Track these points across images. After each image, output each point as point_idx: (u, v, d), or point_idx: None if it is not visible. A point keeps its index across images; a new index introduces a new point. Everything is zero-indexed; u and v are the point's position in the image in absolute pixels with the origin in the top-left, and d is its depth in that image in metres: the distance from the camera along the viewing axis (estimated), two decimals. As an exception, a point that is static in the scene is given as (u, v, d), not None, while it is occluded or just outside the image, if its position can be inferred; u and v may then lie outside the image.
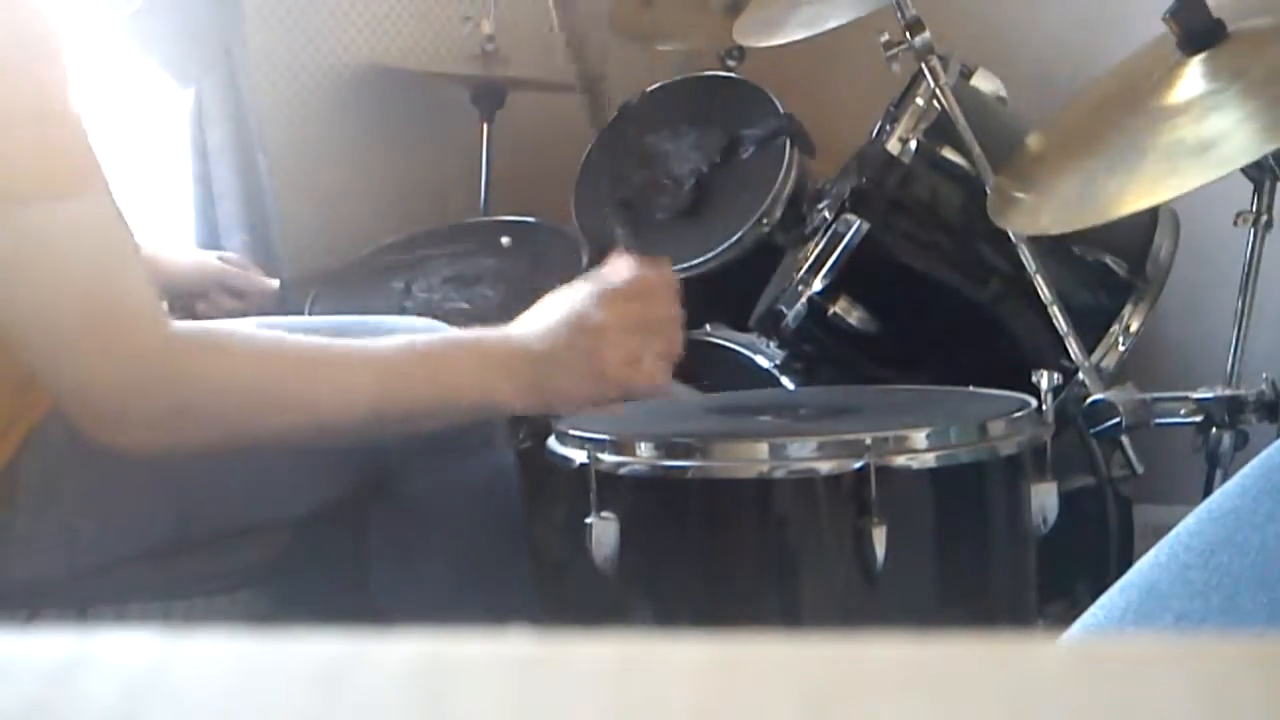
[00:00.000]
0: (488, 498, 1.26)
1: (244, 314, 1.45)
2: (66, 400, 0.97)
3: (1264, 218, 1.26)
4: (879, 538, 1.01)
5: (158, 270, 1.43)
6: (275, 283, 1.49)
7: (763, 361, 1.50)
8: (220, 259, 1.53)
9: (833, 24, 1.31)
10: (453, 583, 1.24)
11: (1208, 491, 1.13)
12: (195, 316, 1.45)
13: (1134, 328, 1.36)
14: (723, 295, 1.62)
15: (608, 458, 1.08)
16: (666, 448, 1.08)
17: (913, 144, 1.35)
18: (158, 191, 1.61)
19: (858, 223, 1.34)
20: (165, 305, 1.34)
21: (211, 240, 1.71)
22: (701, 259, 1.59)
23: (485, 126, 1.86)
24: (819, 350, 1.44)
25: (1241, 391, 1.23)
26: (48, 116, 0.88)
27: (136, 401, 0.95)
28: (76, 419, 0.97)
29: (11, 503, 1.08)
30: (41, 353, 0.96)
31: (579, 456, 1.10)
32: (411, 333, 1.24)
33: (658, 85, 1.82)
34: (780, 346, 1.47)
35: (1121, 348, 1.35)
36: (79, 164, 0.90)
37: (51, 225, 0.89)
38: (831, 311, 1.35)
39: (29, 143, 0.88)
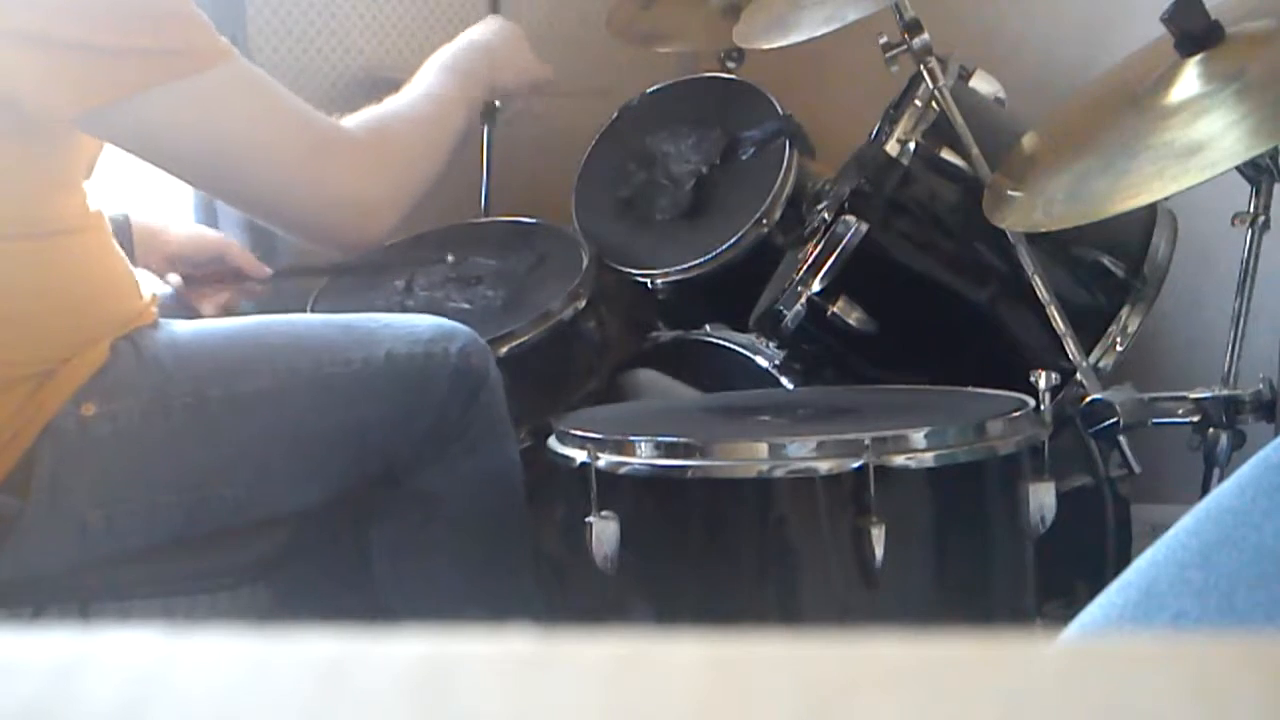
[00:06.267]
0: (494, 494, 1.27)
1: (240, 296, 1.47)
2: (320, 222, 1.22)
3: (1261, 218, 1.26)
4: (877, 537, 1.01)
5: (161, 241, 1.44)
6: (269, 270, 1.49)
7: (762, 361, 1.50)
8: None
9: (833, 27, 1.31)
10: (459, 578, 1.24)
11: (1205, 491, 1.13)
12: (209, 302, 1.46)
13: (1132, 328, 1.36)
14: (723, 295, 1.62)
15: (608, 457, 1.08)
16: (666, 448, 1.08)
17: (911, 145, 1.35)
18: (158, 188, 1.61)
19: (857, 224, 1.34)
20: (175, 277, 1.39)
21: (209, 220, 1.71)
22: (701, 259, 1.59)
23: (485, 127, 1.85)
24: (818, 350, 1.44)
25: (1239, 391, 1.23)
26: (192, 10, 1.11)
27: (373, 185, 1.21)
28: (338, 233, 1.23)
29: (24, 494, 1.09)
30: (279, 197, 1.18)
31: (579, 456, 1.10)
32: (411, 327, 1.25)
33: (657, 87, 1.82)
34: (780, 347, 1.47)
35: (1119, 348, 1.35)
36: (218, 39, 1.12)
37: (229, 82, 1.12)
38: (830, 312, 1.35)
39: (191, 26, 1.10)
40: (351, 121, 1.26)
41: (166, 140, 1.11)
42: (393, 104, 1.32)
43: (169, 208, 1.65)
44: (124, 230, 1.37)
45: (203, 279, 1.46)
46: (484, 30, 1.50)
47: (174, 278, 1.44)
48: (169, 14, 1.09)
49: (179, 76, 1.08)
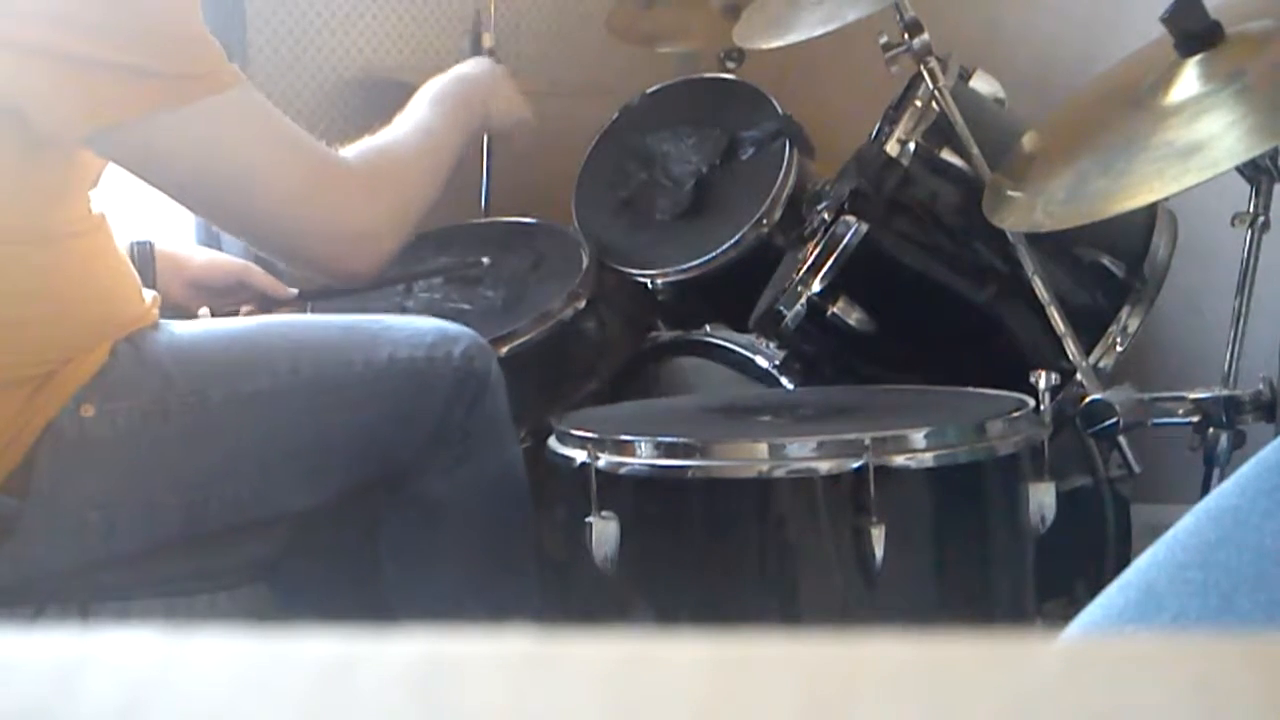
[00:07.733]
0: (496, 496, 1.27)
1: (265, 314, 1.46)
2: (316, 251, 1.20)
3: (1261, 219, 1.26)
4: (878, 537, 1.01)
5: (183, 268, 1.44)
6: (294, 291, 1.49)
7: (762, 361, 1.50)
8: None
9: (833, 26, 1.31)
10: (461, 580, 1.24)
11: (1205, 491, 1.13)
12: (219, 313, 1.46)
13: (1132, 328, 1.36)
14: (723, 295, 1.62)
15: (608, 458, 1.08)
16: (666, 448, 1.08)
17: (911, 146, 1.35)
18: (163, 210, 1.61)
19: (856, 224, 1.34)
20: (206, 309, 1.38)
21: (211, 243, 1.71)
22: (701, 260, 1.59)
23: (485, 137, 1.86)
24: (818, 350, 1.44)
25: (1239, 391, 1.23)
26: (204, 35, 1.11)
27: (372, 216, 1.21)
28: (333, 263, 1.22)
29: (24, 495, 1.09)
30: (275, 225, 1.17)
31: (579, 456, 1.10)
32: (414, 329, 1.25)
33: (658, 87, 1.82)
34: (780, 347, 1.47)
35: (1119, 348, 1.35)
36: (227, 64, 1.12)
37: (235, 108, 1.11)
38: (830, 312, 1.35)
39: (202, 50, 1.10)
40: (349, 152, 1.25)
41: (168, 163, 1.10)
42: (388, 135, 1.31)
43: (172, 230, 1.66)
44: (148, 257, 1.38)
45: (228, 304, 1.46)
46: (471, 67, 1.49)
47: (204, 311, 1.44)
48: (181, 36, 1.09)
49: (188, 100, 1.07)
